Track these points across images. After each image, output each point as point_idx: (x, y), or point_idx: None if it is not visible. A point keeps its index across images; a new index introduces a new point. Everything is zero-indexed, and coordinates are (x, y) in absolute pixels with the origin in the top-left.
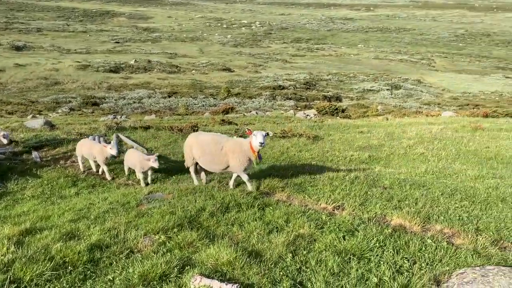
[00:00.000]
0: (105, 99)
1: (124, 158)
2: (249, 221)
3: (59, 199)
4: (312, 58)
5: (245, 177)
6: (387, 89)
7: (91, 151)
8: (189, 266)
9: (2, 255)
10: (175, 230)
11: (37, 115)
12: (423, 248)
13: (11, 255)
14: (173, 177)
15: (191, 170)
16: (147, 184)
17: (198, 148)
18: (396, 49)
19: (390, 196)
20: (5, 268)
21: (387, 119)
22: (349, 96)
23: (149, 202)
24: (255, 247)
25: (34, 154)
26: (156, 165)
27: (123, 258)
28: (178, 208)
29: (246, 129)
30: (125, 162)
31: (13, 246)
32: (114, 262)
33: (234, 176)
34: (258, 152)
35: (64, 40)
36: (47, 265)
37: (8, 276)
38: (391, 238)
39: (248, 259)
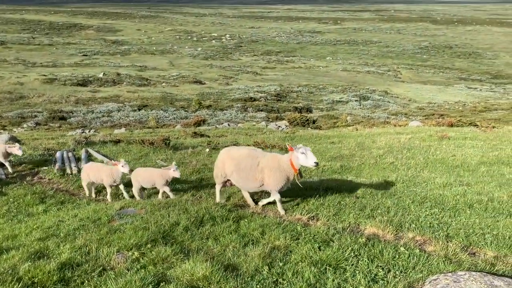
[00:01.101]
0: (72, 113)
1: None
2: (224, 234)
3: (26, 217)
4: (283, 70)
5: (277, 197)
6: (356, 100)
7: (99, 174)
8: (164, 282)
9: None
10: (149, 245)
11: (1, 131)
12: (397, 256)
13: None
14: (145, 192)
15: (218, 187)
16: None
17: (231, 163)
18: (364, 61)
19: (363, 205)
20: None
21: (357, 129)
22: (319, 107)
23: (121, 217)
24: (231, 261)
25: None
26: (177, 174)
27: (96, 276)
28: (151, 223)
29: (287, 144)
30: (138, 180)
31: None
32: (86, 281)
33: (273, 198)
34: (299, 170)
35: (29, 53)
36: (15, 286)
37: None
38: (365, 247)
39: (224, 273)
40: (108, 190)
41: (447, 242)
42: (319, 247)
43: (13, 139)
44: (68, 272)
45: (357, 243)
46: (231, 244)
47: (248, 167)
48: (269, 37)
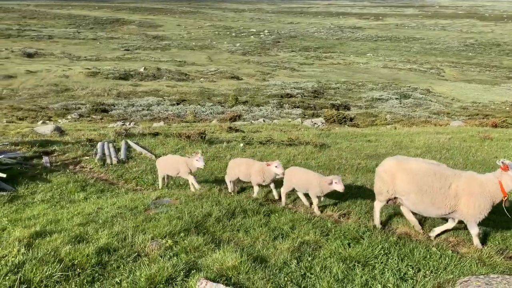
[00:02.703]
0: (114, 106)
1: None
2: (255, 227)
3: (68, 204)
4: (321, 67)
5: (475, 231)
6: (396, 98)
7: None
8: (195, 270)
9: (13, 257)
10: (182, 234)
11: (47, 121)
12: (428, 256)
13: (21, 257)
14: (180, 183)
15: (378, 206)
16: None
17: (408, 180)
18: (405, 58)
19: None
20: (15, 269)
21: (395, 128)
22: (358, 105)
23: (156, 207)
24: (260, 253)
25: (45, 159)
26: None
27: (131, 261)
28: (185, 213)
29: (501, 162)
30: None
31: (23, 248)
32: (122, 265)
33: (471, 230)
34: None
35: (74, 47)
36: (57, 267)
37: (19, 277)
38: (396, 245)
39: (253, 264)
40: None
41: (482, 244)
42: (348, 244)
43: (58, 130)
44: (105, 256)
45: (387, 242)
46: (261, 236)
47: (435, 189)
48: (307, 33)
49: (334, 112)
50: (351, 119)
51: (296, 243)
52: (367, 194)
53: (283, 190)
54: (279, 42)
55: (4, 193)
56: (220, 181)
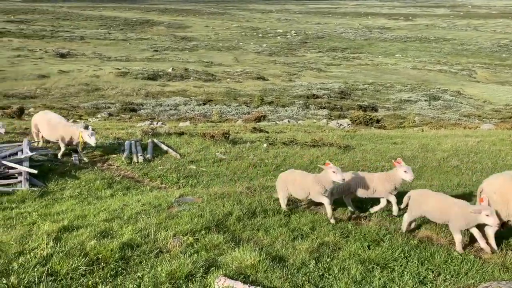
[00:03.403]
0: (142, 106)
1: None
2: (275, 227)
3: (95, 200)
4: (348, 68)
5: None
6: (425, 100)
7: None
8: (214, 267)
9: (41, 250)
10: (203, 232)
11: (78, 120)
12: (449, 260)
13: (49, 250)
14: (203, 182)
15: (492, 233)
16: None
17: None
18: (436, 59)
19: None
20: (44, 261)
21: (423, 130)
22: (386, 106)
23: (179, 205)
24: (279, 252)
25: (74, 156)
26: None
27: (152, 257)
28: (206, 211)
29: None
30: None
31: (51, 242)
32: (144, 261)
33: None
34: None
35: (105, 48)
36: (82, 260)
37: (47, 269)
38: (416, 249)
39: (271, 264)
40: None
41: (506, 250)
42: (368, 246)
43: (86, 128)
44: (128, 251)
45: (408, 245)
46: (281, 236)
47: None
48: (335, 33)
49: (361, 114)
50: (378, 121)
51: (315, 243)
52: None
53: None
54: (306, 42)
55: (35, 189)
56: (242, 181)
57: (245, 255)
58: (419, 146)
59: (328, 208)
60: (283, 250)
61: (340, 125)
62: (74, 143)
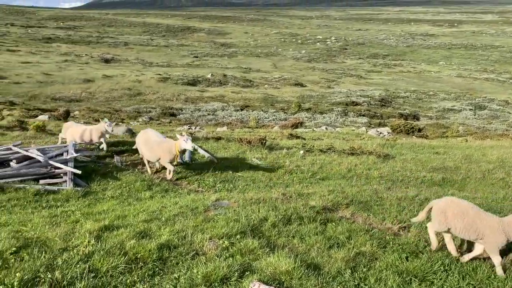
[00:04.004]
0: (182, 110)
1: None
2: (310, 234)
3: (135, 201)
4: (389, 75)
5: None
6: (470, 109)
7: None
8: (249, 272)
9: (83, 247)
10: (238, 237)
11: (120, 123)
12: (492, 276)
13: (91, 248)
14: (239, 187)
15: None
16: None
17: None
18: (482, 67)
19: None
20: (86, 259)
21: (467, 140)
22: (428, 115)
23: (215, 208)
24: (314, 260)
25: (116, 158)
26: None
27: (189, 259)
28: (242, 216)
29: None
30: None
31: (93, 240)
32: (180, 262)
33: None
34: None
35: (148, 54)
36: (121, 259)
37: (88, 266)
38: (457, 262)
39: (306, 271)
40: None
41: None
42: (406, 258)
43: (129, 131)
44: (166, 252)
45: (448, 258)
46: (316, 244)
47: None
48: (376, 40)
49: (402, 122)
50: (419, 130)
51: (351, 253)
52: None
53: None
54: (346, 49)
55: (79, 189)
56: (277, 187)
57: (280, 261)
58: (463, 157)
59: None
60: (319, 258)
61: (380, 133)
62: (175, 160)
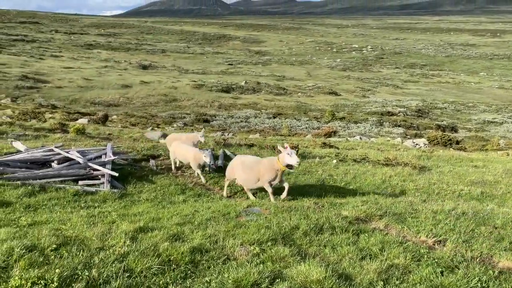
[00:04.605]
0: (215, 117)
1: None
2: (342, 245)
3: (168, 204)
4: (427, 85)
5: None
6: None
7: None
8: (279, 279)
9: (119, 247)
10: (269, 243)
11: (156, 128)
12: None
13: (126, 248)
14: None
15: None
16: None
17: None
18: None
19: (501, 237)
20: (121, 258)
21: (508, 154)
22: (467, 127)
23: (247, 214)
24: (345, 271)
25: (151, 162)
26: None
27: (220, 263)
28: (273, 223)
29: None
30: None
31: (128, 241)
32: (212, 266)
33: None
34: None
35: (184, 61)
36: (155, 260)
37: (123, 265)
38: (496, 280)
39: (337, 281)
40: None
41: None
42: (441, 272)
43: (164, 136)
44: (197, 255)
45: (486, 275)
46: (348, 255)
47: None
48: (414, 49)
49: (439, 134)
50: (457, 142)
51: (384, 265)
52: (467, 222)
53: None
54: (382, 58)
55: (116, 190)
56: (309, 195)
57: (311, 270)
58: (503, 171)
59: None
60: (350, 268)
61: (416, 144)
62: (277, 179)
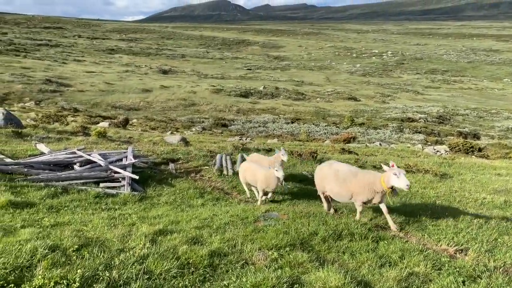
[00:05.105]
0: (233, 122)
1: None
2: (361, 251)
3: (187, 207)
4: (448, 91)
5: None
6: None
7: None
8: (298, 285)
9: (139, 249)
10: (287, 249)
11: (175, 132)
12: None
13: (146, 250)
14: (289, 199)
15: None
16: None
17: None
18: None
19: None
20: (141, 260)
21: None
22: (489, 134)
23: (265, 219)
24: (364, 278)
25: (171, 165)
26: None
27: (238, 267)
28: (291, 229)
29: None
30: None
31: (148, 243)
32: (230, 270)
33: None
34: None
35: (203, 66)
36: (174, 263)
37: (143, 267)
38: None
39: None
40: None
41: None
42: (463, 282)
43: (183, 140)
44: (216, 259)
45: (510, 285)
46: (367, 262)
47: None
48: (435, 55)
49: (461, 141)
50: (479, 149)
51: (404, 273)
52: (490, 232)
53: None
54: (403, 63)
55: (136, 193)
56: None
57: (329, 276)
58: None
59: None
60: (369, 275)
61: (437, 151)
62: (374, 200)
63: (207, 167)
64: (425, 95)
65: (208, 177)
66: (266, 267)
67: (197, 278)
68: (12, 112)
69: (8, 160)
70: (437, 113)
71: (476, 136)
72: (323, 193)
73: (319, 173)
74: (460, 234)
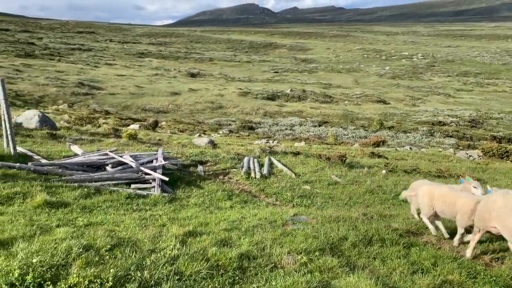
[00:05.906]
0: (260, 124)
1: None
2: (392, 258)
3: (216, 209)
4: (481, 94)
5: None
6: None
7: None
8: None
9: (170, 250)
10: (317, 253)
11: (203, 134)
12: None
13: (176, 251)
14: (317, 203)
15: None
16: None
17: None
18: None
19: None
20: (171, 261)
21: None
22: None
23: (294, 223)
24: (396, 284)
25: (199, 168)
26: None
27: (267, 271)
28: (321, 233)
29: None
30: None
31: (178, 244)
32: (259, 273)
33: None
34: None
35: (230, 69)
36: (204, 265)
37: (173, 268)
38: None
39: None
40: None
41: None
42: None
43: (211, 143)
44: (245, 262)
45: None
46: (399, 268)
47: None
48: (468, 57)
49: (495, 145)
50: None
51: (437, 280)
52: None
53: None
54: (433, 66)
55: (166, 194)
56: (357, 206)
57: (360, 282)
58: None
59: None
60: (401, 282)
61: (470, 156)
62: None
63: (235, 170)
64: (456, 98)
65: (236, 180)
66: (296, 271)
67: (227, 280)
68: (47, 114)
69: (44, 161)
70: (469, 117)
71: (511, 141)
72: (482, 230)
73: (483, 207)
74: (495, 242)
